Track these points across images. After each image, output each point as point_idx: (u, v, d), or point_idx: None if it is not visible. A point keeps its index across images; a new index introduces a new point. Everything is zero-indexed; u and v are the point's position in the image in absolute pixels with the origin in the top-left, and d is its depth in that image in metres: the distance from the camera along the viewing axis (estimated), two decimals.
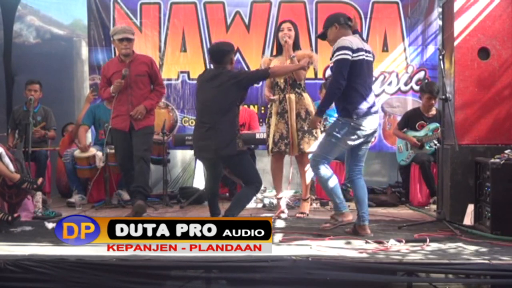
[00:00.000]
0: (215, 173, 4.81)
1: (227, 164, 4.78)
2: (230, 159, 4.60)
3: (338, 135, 4.37)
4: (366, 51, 4.39)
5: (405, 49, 6.96)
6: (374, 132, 4.50)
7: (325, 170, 4.42)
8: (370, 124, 4.37)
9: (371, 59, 4.48)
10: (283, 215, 5.22)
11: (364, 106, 4.35)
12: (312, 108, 5.17)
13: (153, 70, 5.38)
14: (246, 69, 6.67)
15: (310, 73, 6.82)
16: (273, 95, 5.20)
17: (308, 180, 5.30)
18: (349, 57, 4.27)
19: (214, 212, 4.80)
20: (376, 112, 4.49)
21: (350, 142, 4.38)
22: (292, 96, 5.13)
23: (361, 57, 4.33)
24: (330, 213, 5.42)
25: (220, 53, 4.64)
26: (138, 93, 5.27)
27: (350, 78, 4.31)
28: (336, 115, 4.63)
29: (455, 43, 4.84)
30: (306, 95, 5.22)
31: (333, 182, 4.44)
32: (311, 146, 5.11)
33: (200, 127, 4.64)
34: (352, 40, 4.34)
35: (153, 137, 5.60)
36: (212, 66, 4.90)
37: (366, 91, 4.38)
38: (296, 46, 5.19)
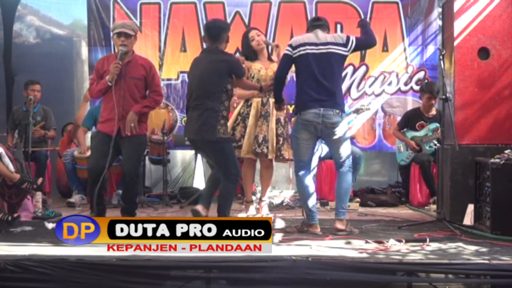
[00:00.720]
0: (209, 161, 4.74)
1: (206, 150, 4.61)
2: (209, 145, 4.48)
3: (295, 134, 4.56)
4: (315, 44, 4.45)
5: (405, 49, 6.96)
6: (329, 127, 4.41)
7: (301, 178, 4.56)
8: (313, 117, 4.40)
9: (329, 50, 4.44)
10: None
11: (304, 99, 4.46)
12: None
13: (151, 75, 4.87)
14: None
15: None
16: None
17: (269, 182, 5.34)
18: (289, 54, 4.50)
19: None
20: (322, 106, 4.39)
21: (304, 137, 4.49)
22: (271, 100, 5.10)
23: (301, 53, 4.45)
24: (330, 213, 5.43)
25: (216, 29, 4.57)
26: (131, 98, 4.75)
27: (296, 74, 4.56)
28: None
29: (455, 43, 4.84)
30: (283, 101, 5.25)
31: (306, 191, 4.55)
32: (290, 154, 5.09)
33: (187, 108, 4.64)
34: (299, 38, 4.56)
35: (145, 148, 5.34)
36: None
37: (310, 85, 4.44)
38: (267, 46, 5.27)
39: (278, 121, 5.15)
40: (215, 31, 4.56)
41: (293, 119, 5.26)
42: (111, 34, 5.06)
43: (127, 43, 4.75)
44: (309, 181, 4.59)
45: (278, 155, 5.13)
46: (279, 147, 5.12)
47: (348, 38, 4.49)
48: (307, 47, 4.45)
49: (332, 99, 4.43)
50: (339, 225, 4.46)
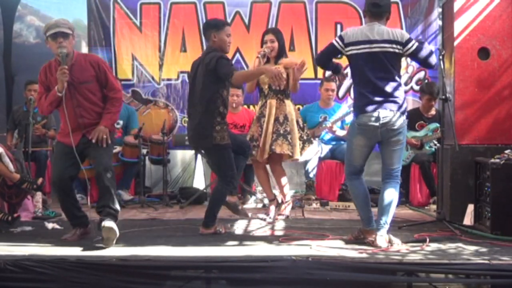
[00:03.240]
0: (210, 162, 4.80)
1: (205, 154, 4.79)
2: (207, 151, 4.64)
3: (350, 137, 4.28)
4: (370, 42, 4.04)
5: None
6: (389, 129, 4.04)
7: (353, 182, 4.24)
8: (372, 121, 4.03)
9: (386, 49, 4.03)
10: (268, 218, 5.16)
11: (361, 102, 4.10)
12: (293, 114, 5.19)
13: (102, 71, 4.29)
14: (246, 69, 6.66)
15: (310, 73, 6.86)
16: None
17: (283, 182, 5.30)
18: (336, 45, 4.13)
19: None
20: (381, 107, 4.03)
21: (359, 142, 4.15)
22: (273, 102, 5.15)
23: (353, 52, 4.09)
24: (330, 213, 5.43)
25: (204, 29, 4.67)
26: (87, 104, 4.24)
27: (352, 75, 4.28)
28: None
29: (455, 43, 4.84)
30: (288, 102, 5.21)
31: (360, 195, 4.22)
32: (283, 149, 5.07)
33: (188, 114, 4.72)
34: (355, 32, 4.09)
35: (113, 147, 4.60)
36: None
37: (365, 86, 4.08)
38: (281, 53, 5.18)
39: (276, 119, 5.14)
40: (204, 31, 4.68)
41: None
42: (46, 37, 4.21)
43: (66, 44, 4.15)
44: (362, 185, 4.23)
45: (268, 151, 5.10)
46: (271, 143, 5.08)
47: (409, 40, 4.07)
48: (361, 46, 4.03)
49: (389, 100, 4.04)
50: (380, 242, 3.97)
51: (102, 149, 4.21)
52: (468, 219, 4.69)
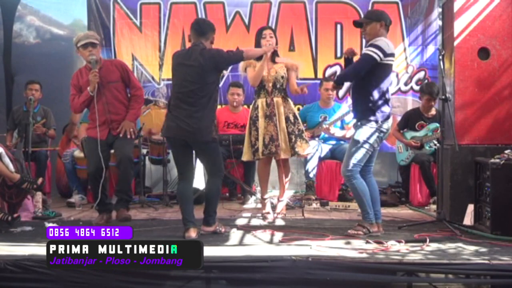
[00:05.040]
0: (203, 157, 4.61)
1: (198, 150, 4.55)
2: (203, 145, 4.46)
3: (366, 140, 4.36)
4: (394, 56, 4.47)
5: (405, 49, 6.97)
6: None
7: (361, 181, 4.40)
8: (389, 126, 4.48)
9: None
10: (269, 216, 5.15)
11: (386, 109, 4.40)
12: (296, 113, 5.28)
13: (126, 73, 5.10)
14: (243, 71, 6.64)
15: (309, 73, 6.87)
16: (264, 97, 5.18)
17: (287, 184, 5.31)
18: (378, 59, 4.28)
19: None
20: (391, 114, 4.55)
21: (376, 146, 4.45)
22: (280, 100, 5.16)
23: (390, 62, 4.40)
24: (330, 213, 5.43)
25: (208, 26, 4.57)
26: (115, 101, 4.99)
27: (378, 80, 4.34)
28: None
29: (455, 43, 4.85)
30: (289, 100, 5.27)
31: (366, 193, 4.41)
32: (305, 149, 5.17)
33: (179, 108, 4.41)
34: (389, 44, 4.38)
35: (134, 140, 5.33)
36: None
37: (388, 95, 4.46)
38: (275, 51, 5.19)
39: (287, 119, 5.14)
40: (205, 29, 4.56)
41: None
42: (77, 47, 4.96)
43: (95, 52, 4.92)
44: (363, 182, 4.44)
45: (293, 153, 5.14)
46: (292, 145, 5.12)
47: None
48: (392, 58, 4.44)
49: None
50: (381, 228, 4.46)
51: (125, 140, 4.96)
52: (468, 219, 4.69)
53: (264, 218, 5.15)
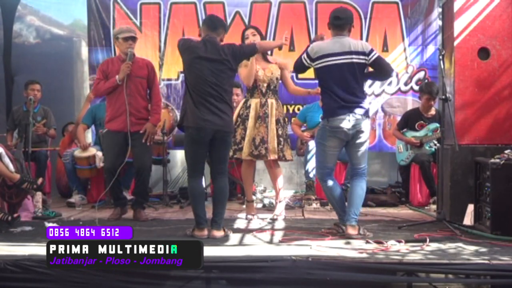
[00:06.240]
0: (219, 152, 4.50)
1: (221, 143, 4.43)
2: (228, 138, 4.46)
3: (322, 141, 4.47)
4: (337, 54, 4.36)
5: (405, 49, 6.97)
6: (358, 131, 4.37)
7: (330, 183, 4.46)
8: (343, 124, 4.32)
9: (356, 60, 4.36)
10: (253, 221, 5.10)
11: (332, 106, 4.38)
12: (285, 117, 5.40)
13: (153, 74, 5.32)
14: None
15: (309, 73, 6.85)
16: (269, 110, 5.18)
17: (280, 184, 5.28)
18: (305, 63, 4.50)
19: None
20: (351, 112, 4.34)
21: (332, 144, 4.41)
22: (273, 102, 5.17)
23: (322, 65, 4.40)
24: (330, 213, 5.43)
25: (220, 24, 4.56)
26: (137, 95, 5.15)
27: (324, 82, 4.46)
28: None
29: (455, 43, 4.84)
30: (280, 102, 5.32)
31: (337, 193, 4.47)
32: (289, 155, 5.22)
33: (206, 101, 4.33)
34: (321, 46, 4.44)
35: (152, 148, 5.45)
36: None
37: (338, 93, 4.36)
38: (265, 52, 5.24)
39: (277, 121, 5.16)
40: (217, 25, 4.54)
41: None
42: (117, 37, 5.22)
43: (134, 46, 5.22)
44: (336, 185, 4.53)
45: (280, 156, 5.14)
46: (280, 148, 5.12)
47: (371, 50, 4.41)
48: (329, 58, 4.38)
49: (358, 105, 4.38)
50: (351, 231, 4.29)
51: (145, 148, 5.14)
52: (468, 219, 4.69)
53: (250, 221, 5.10)
